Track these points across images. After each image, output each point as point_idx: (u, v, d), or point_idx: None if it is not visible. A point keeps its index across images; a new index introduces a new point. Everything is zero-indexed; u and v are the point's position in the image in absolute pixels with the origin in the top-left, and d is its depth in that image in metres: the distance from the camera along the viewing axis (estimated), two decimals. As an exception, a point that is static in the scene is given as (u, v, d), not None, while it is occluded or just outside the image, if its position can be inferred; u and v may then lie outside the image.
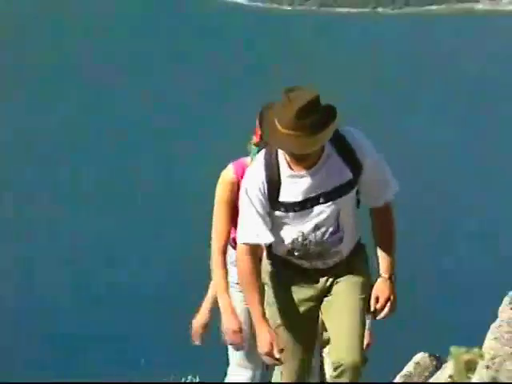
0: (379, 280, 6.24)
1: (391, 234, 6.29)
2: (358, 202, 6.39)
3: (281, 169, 6.07)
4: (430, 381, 7.08)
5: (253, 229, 6.16)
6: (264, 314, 6.23)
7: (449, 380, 6.35)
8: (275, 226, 6.20)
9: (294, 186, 6.07)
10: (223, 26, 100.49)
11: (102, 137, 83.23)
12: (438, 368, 7.30)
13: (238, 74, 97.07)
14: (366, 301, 6.25)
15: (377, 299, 6.19)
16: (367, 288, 6.30)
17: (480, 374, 5.49)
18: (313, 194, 6.08)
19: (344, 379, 5.95)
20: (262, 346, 6.15)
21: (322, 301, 6.41)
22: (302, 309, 6.42)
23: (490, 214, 72.01)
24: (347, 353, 6.02)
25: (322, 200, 6.08)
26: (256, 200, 6.10)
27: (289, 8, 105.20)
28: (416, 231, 59.45)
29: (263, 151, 6.13)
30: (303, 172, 6.02)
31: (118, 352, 53.49)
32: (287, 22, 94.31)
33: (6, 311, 59.33)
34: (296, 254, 6.27)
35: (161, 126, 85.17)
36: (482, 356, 5.48)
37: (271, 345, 6.08)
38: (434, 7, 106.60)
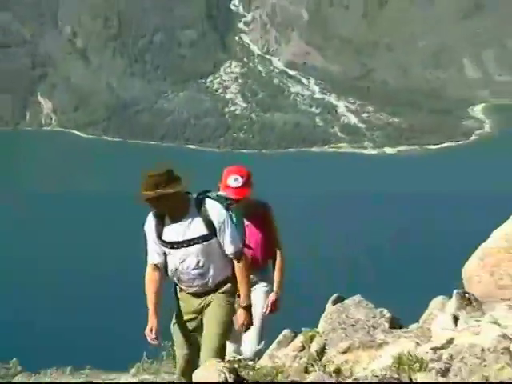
0: (239, 310, 6.01)
1: (242, 274, 5.89)
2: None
3: (165, 219, 5.82)
4: (291, 345, 6.47)
5: (149, 253, 5.98)
6: (155, 311, 5.90)
7: (300, 344, 6.25)
8: (166, 258, 5.95)
9: (169, 231, 5.84)
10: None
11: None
12: (294, 338, 6.61)
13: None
14: (226, 323, 5.96)
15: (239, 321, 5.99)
16: (227, 313, 5.97)
17: (317, 341, 5.97)
18: (179, 239, 5.81)
19: None
20: (146, 331, 5.86)
21: (201, 316, 6.06)
22: (187, 320, 6.09)
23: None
24: (203, 361, 5.66)
25: (185, 244, 5.80)
26: (149, 235, 5.92)
27: (215, 150, 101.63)
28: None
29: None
30: (174, 223, 5.80)
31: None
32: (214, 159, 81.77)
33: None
34: (175, 279, 6.02)
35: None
36: (318, 332, 6.17)
37: (150, 331, 5.84)
38: (292, 150, 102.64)
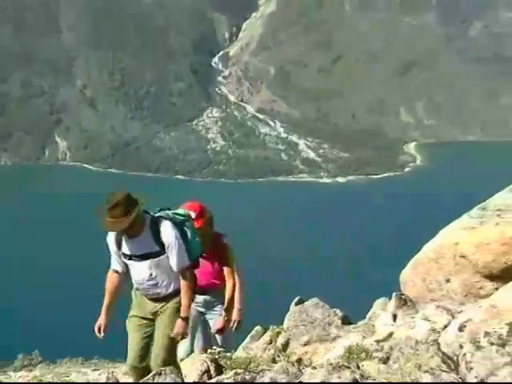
0: (178, 319, 5.37)
1: (184, 289, 5.34)
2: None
3: (124, 234, 5.37)
4: (261, 339, 6.45)
5: (112, 260, 5.60)
6: (107, 310, 5.58)
7: (269, 338, 6.18)
8: (127, 267, 5.55)
9: (125, 245, 5.44)
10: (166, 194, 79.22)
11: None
12: (264, 333, 6.55)
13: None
14: (171, 328, 5.38)
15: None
16: (173, 321, 5.38)
17: (282, 336, 5.93)
18: (132, 253, 5.42)
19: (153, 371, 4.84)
20: (95, 328, 5.56)
21: (153, 319, 5.58)
22: (142, 318, 5.62)
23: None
24: (154, 359, 5.34)
25: (137, 259, 5.41)
26: (110, 246, 5.54)
27: (200, 179, 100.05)
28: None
29: None
30: (131, 239, 5.39)
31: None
32: (201, 188, 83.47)
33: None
34: (135, 286, 5.61)
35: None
36: (283, 329, 6.13)
37: (98, 329, 5.53)
38: (262, 179, 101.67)
